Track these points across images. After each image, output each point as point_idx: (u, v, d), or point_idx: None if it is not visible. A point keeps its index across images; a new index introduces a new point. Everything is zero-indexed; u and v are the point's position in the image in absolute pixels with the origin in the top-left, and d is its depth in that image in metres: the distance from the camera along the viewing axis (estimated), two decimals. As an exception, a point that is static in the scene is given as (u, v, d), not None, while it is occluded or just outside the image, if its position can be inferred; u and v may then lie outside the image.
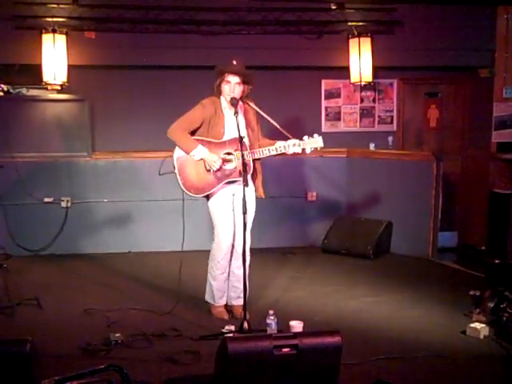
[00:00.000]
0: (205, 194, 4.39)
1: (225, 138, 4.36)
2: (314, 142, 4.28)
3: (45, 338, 3.92)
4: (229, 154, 4.33)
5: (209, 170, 4.33)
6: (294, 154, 4.36)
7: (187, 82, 6.67)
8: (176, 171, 4.35)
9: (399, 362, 3.70)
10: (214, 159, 4.29)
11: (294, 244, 6.96)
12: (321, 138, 4.28)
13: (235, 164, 4.32)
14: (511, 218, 5.54)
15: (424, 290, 5.29)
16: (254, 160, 4.36)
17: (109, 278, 5.65)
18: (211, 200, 4.44)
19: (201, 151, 4.29)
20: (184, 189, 4.36)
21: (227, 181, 4.35)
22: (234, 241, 4.48)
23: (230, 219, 4.45)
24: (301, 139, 4.30)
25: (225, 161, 4.33)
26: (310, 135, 4.30)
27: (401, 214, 6.70)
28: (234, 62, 4.33)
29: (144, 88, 6.90)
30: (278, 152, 4.34)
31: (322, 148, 4.31)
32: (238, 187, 4.39)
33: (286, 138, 4.36)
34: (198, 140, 4.34)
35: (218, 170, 4.31)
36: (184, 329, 4.21)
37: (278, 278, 5.70)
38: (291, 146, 4.30)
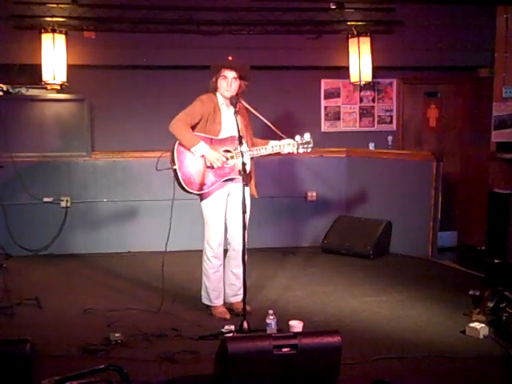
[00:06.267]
0: (204, 191, 4.37)
1: (221, 135, 4.37)
2: (305, 143, 4.36)
3: (45, 338, 3.92)
4: (227, 151, 4.35)
5: (209, 167, 4.31)
6: (289, 153, 4.44)
7: (187, 82, 6.65)
8: (176, 167, 4.30)
9: (399, 361, 3.70)
10: (216, 156, 4.28)
11: (294, 244, 6.96)
12: (311, 139, 4.35)
13: (234, 162, 4.33)
14: (511, 217, 5.53)
15: (424, 289, 5.29)
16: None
17: (109, 278, 5.65)
18: (205, 201, 4.43)
19: (202, 148, 4.27)
20: (184, 185, 4.30)
21: (226, 178, 4.36)
22: (227, 240, 4.51)
23: (222, 219, 4.48)
24: (292, 138, 4.35)
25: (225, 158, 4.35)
26: (303, 134, 4.35)
27: (400, 213, 6.70)
28: (230, 58, 4.38)
29: (144, 88, 6.91)
30: (273, 151, 4.40)
31: (312, 147, 4.39)
32: (233, 186, 4.42)
33: (278, 137, 4.38)
34: (198, 136, 4.32)
35: (219, 167, 4.31)
36: (184, 329, 4.21)
37: (278, 277, 5.69)
38: (286, 146, 4.37)
